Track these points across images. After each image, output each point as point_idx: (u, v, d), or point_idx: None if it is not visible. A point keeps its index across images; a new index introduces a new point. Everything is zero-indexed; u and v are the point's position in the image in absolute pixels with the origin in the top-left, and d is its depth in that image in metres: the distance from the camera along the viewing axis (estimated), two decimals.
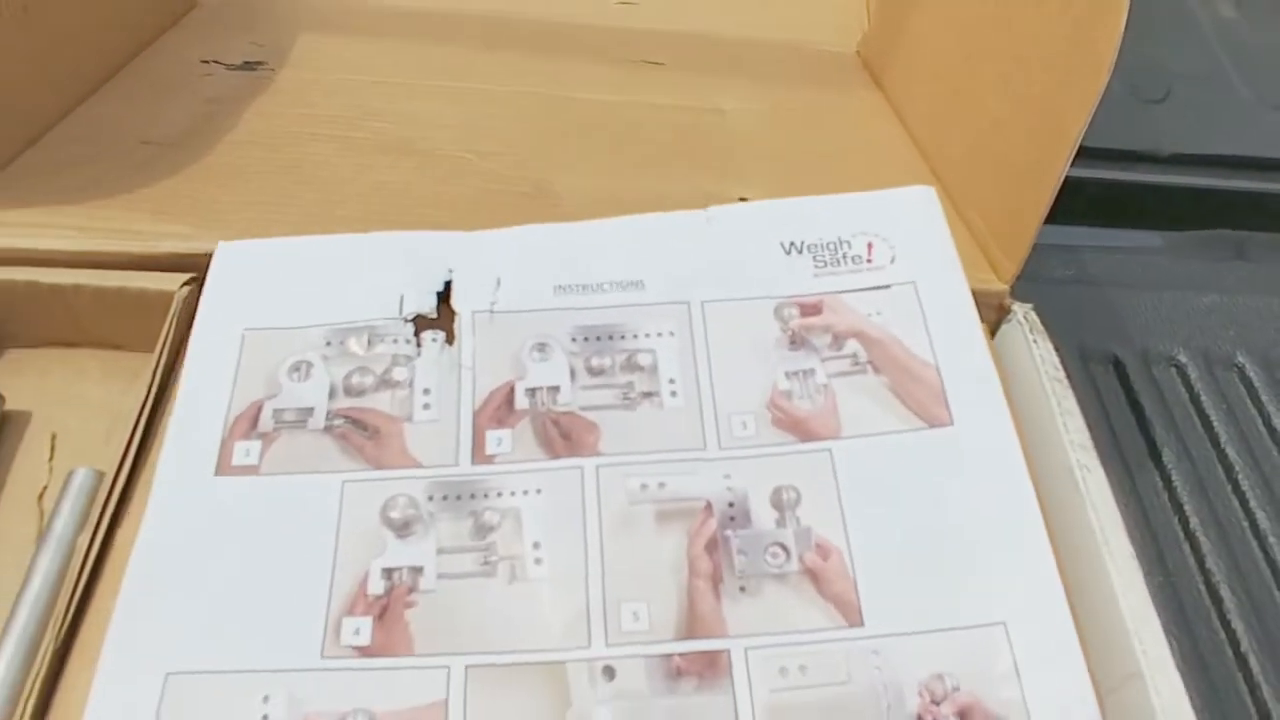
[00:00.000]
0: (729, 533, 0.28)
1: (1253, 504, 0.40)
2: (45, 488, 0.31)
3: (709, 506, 0.28)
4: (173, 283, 0.33)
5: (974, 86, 0.39)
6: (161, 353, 0.31)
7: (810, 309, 0.33)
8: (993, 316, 0.36)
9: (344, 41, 0.48)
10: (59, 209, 0.35)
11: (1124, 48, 0.31)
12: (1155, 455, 0.44)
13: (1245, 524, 0.40)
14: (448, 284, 0.33)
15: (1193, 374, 0.51)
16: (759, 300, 0.33)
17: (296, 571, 0.26)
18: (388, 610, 0.26)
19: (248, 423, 0.29)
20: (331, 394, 0.30)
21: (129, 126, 0.40)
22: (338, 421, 0.30)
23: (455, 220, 0.35)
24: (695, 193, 0.40)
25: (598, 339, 0.32)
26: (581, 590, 0.27)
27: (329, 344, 0.31)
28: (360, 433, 0.29)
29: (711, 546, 0.28)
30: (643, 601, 0.27)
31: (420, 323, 0.32)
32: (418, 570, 0.27)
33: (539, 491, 0.28)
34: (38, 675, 0.25)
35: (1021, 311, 0.35)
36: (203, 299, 0.32)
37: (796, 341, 0.32)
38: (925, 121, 0.44)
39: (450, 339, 0.32)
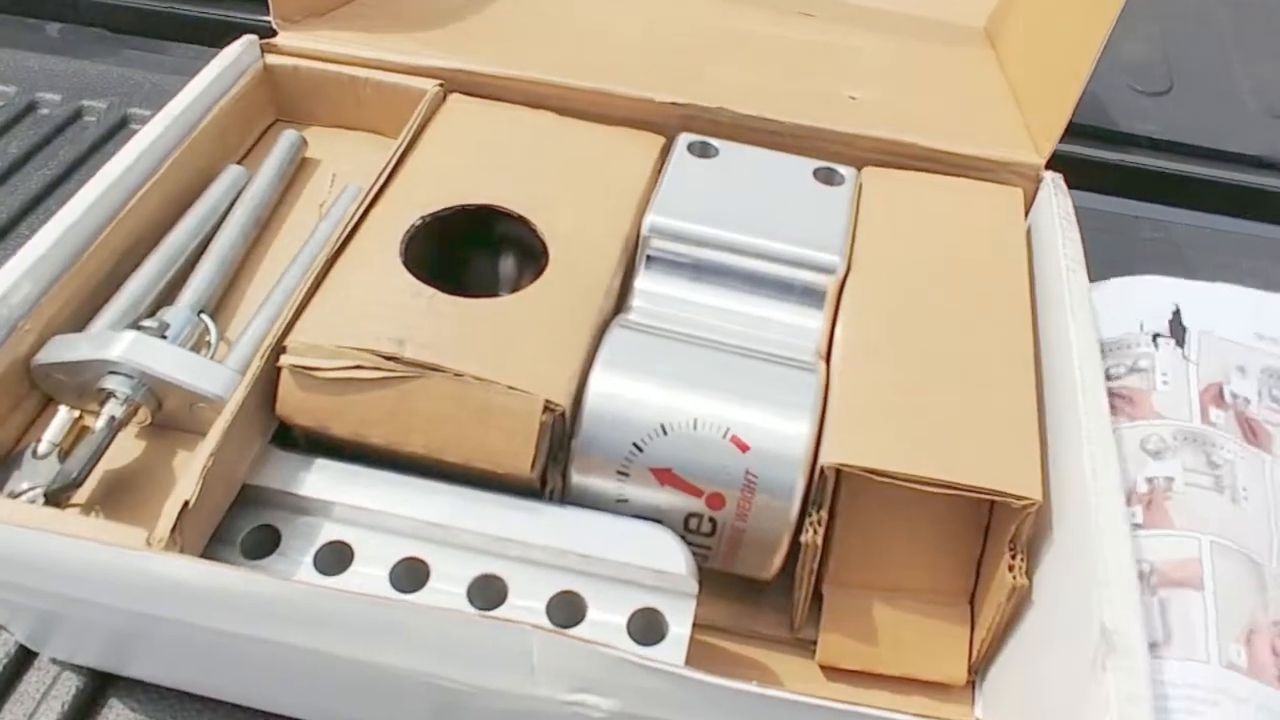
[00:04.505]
0: None
1: None
2: (324, 202, 0.46)
3: None
4: (428, 84, 0.47)
5: (1056, 27, 0.49)
6: (412, 126, 0.45)
7: None
8: (1031, 187, 0.45)
9: None
10: (360, 36, 0.50)
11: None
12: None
13: None
14: (1175, 313, 0.45)
15: None
16: None
17: None
18: (1152, 502, 0.38)
19: None
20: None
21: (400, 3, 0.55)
22: None
23: (639, 80, 0.48)
24: (817, 91, 0.52)
25: (1278, 378, 0.43)
26: None
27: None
28: (1121, 399, 0.42)
29: None
30: None
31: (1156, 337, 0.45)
32: (1170, 479, 0.39)
33: (1243, 459, 0.40)
34: (316, 272, 0.38)
35: (1050, 177, 0.44)
36: None
37: None
38: (1017, 62, 0.54)
39: (1180, 344, 0.44)
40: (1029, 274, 0.41)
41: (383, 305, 0.37)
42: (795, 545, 0.36)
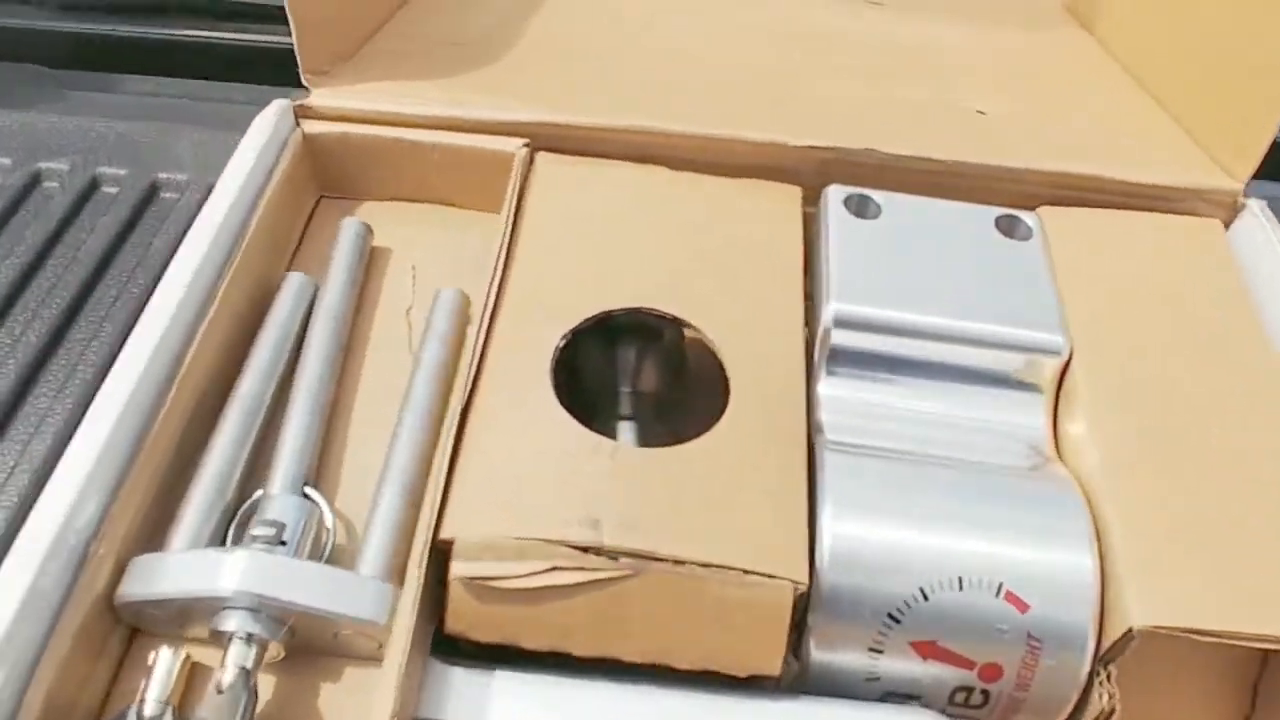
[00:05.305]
0: None
1: None
2: (410, 307, 0.37)
3: None
4: (510, 145, 0.39)
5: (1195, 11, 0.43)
6: (511, 204, 0.36)
7: None
8: (1227, 215, 0.39)
9: None
10: (405, 85, 0.41)
11: None
12: None
13: None
14: None
15: None
16: None
17: None
18: None
19: None
20: None
21: (434, 33, 0.46)
22: None
23: (752, 119, 0.40)
24: (939, 105, 0.45)
25: None
26: None
27: None
28: None
29: None
30: None
31: None
32: None
33: None
34: (452, 422, 0.30)
35: (1255, 205, 0.39)
36: None
37: None
38: (1142, 51, 0.48)
39: None
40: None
41: (554, 468, 0.29)
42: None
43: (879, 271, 0.35)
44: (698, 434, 0.38)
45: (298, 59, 0.39)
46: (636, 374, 0.40)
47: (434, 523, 0.28)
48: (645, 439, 0.38)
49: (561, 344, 0.33)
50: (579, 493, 0.29)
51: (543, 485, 0.29)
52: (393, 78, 0.41)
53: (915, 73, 0.47)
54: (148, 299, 0.45)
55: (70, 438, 0.40)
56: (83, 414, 0.41)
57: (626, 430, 0.38)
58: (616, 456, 0.30)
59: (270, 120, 0.38)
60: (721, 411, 0.34)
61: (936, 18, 0.53)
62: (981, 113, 0.44)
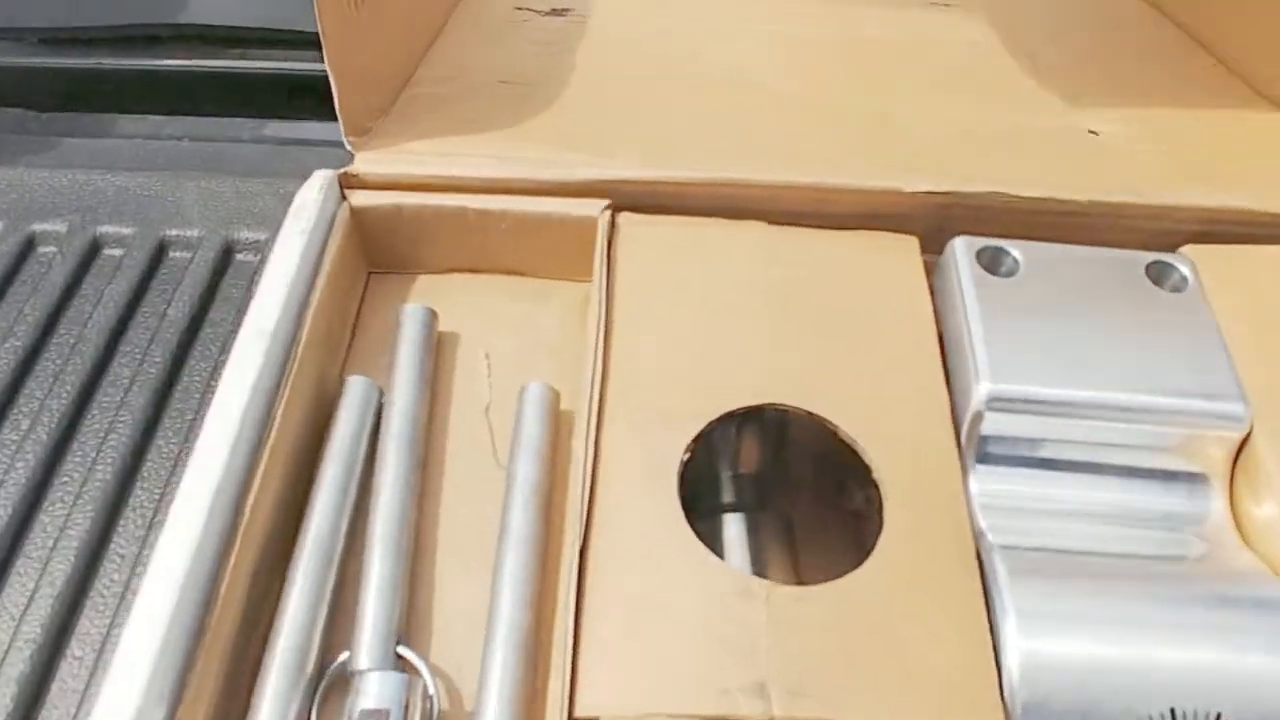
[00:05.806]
0: None
1: None
2: (489, 404, 0.32)
3: None
4: (589, 208, 0.34)
5: None
6: (602, 273, 0.32)
7: None
8: None
9: None
10: (457, 141, 0.36)
11: None
12: None
13: None
14: None
15: None
16: None
17: None
18: None
19: None
20: None
21: (476, 68, 0.41)
22: None
23: (818, 144, 0.36)
24: (1052, 131, 0.40)
25: None
26: None
27: None
28: None
29: None
30: None
31: None
32: None
33: None
34: (570, 560, 0.26)
35: None
36: None
37: None
38: (1249, 49, 0.43)
39: None
40: None
41: (701, 621, 0.25)
42: None
43: (1028, 341, 0.31)
44: (809, 523, 0.34)
45: (339, 118, 0.34)
46: (738, 455, 0.35)
47: (567, 696, 0.24)
48: (756, 530, 0.34)
49: (687, 457, 0.28)
50: (735, 651, 0.24)
51: (691, 643, 0.25)
52: (441, 131, 0.36)
53: (1008, 88, 0.43)
54: (167, 379, 0.41)
55: (94, 555, 0.36)
56: (105, 525, 0.37)
57: (734, 525, 0.34)
58: (771, 600, 0.25)
59: (315, 198, 0.32)
60: (859, 511, 0.30)
61: (1008, 16, 0.49)
62: (1094, 133, 0.40)
